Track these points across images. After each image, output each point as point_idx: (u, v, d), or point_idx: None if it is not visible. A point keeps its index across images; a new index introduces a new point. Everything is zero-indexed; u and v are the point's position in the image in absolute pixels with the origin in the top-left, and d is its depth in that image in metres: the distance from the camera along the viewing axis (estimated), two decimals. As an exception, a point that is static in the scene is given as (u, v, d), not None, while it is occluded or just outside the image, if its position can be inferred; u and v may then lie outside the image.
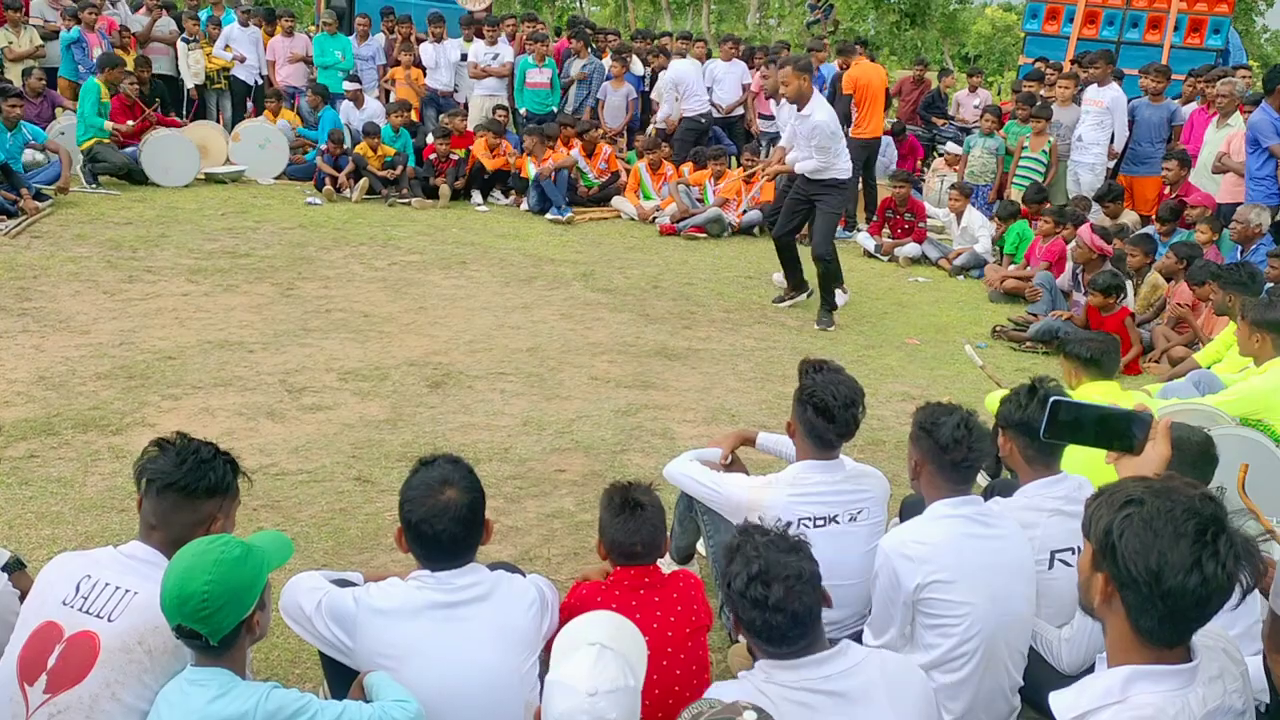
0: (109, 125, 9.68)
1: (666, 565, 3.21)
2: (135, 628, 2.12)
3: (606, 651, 2.02)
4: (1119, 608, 1.67)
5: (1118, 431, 1.98)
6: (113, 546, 2.31)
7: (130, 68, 10.52)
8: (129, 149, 9.83)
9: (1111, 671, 1.70)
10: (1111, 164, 9.83)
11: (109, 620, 2.13)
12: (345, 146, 10.43)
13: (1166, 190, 8.90)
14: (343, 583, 2.52)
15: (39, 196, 8.57)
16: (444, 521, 2.32)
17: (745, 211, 10.33)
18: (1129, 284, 7.25)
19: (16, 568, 2.73)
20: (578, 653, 2.02)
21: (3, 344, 5.51)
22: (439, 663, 2.29)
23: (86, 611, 2.15)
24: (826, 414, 2.92)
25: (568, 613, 2.58)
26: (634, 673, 2.03)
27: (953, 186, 10.03)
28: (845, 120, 10.41)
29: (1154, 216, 8.37)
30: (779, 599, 2.04)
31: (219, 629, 2.01)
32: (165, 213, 8.89)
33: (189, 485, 2.27)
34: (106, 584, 2.19)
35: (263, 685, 2.05)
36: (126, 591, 2.17)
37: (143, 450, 2.36)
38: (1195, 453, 2.97)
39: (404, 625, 2.31)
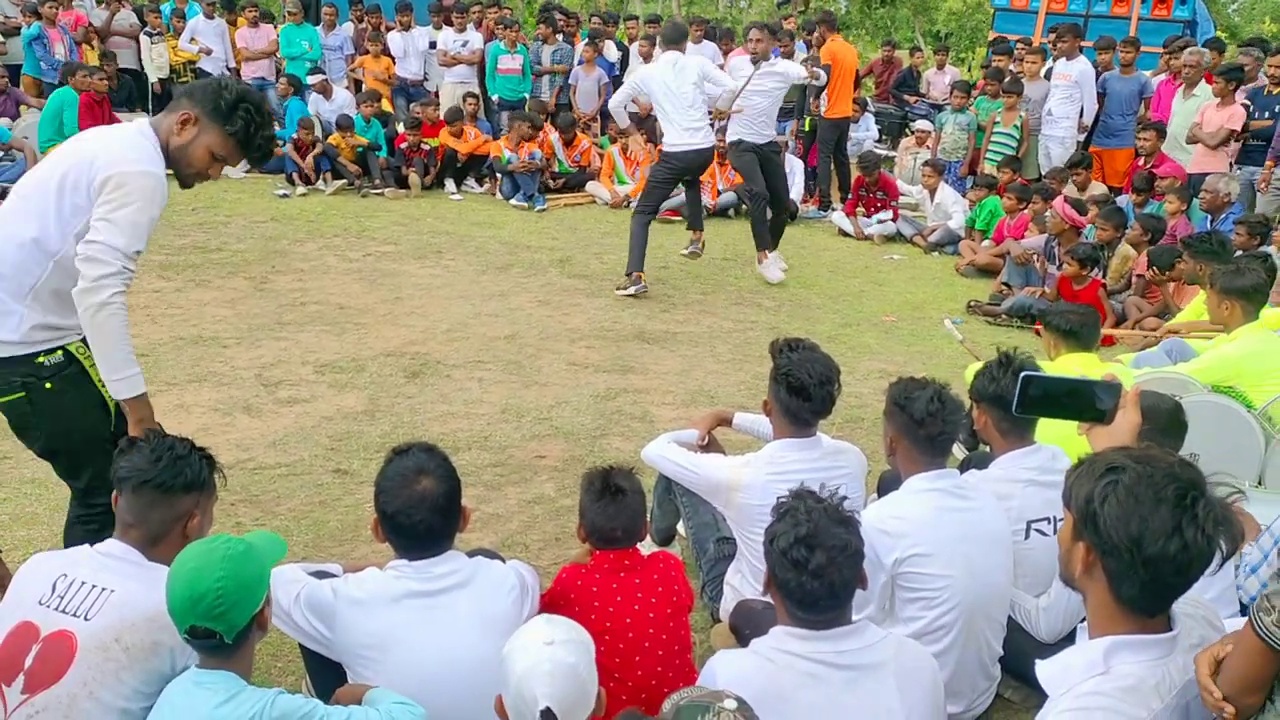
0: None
1: (646, 547, 3.22)
2: (112, 626, 2.11)
3: (555, 617, 2.07)
4: (1100, 577, 1.68)
5: (1088, 402, 2.00)
6: (89, 545, 2.30)
7: (95, 63, 10.37)
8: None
9: (1093, 643, 1.71)
10: (1081, 137, 9.88)
11: (86, 619, 2.12)
12: (315, 136, 10.33)
13: (1140, 161, 8.96)
14: (321, 574, 2.51)
15: (4, 196, 8.42)
16: (421, 511, 2.31)
17: (721, 193, 10.32)
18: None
19: None
20: (528, 627, 2.04)
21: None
22: (420, 651, 2.29)
23: (63, 611, 2.14)
24: (802, 392, 2.93)
25: (550, 598, 2.59)
26: (584, 632, 2.04)
27: (926, 163, 10.05)
28: (820, 93, 10.36)
29: (1130, 186, 8.42)
30: (820, 565, 2.04)
31: (234, 625, 2.00)
32: (134, 209, 8.77)
33: (165, 482, 2.26)
34: (83, 583, 2.17)
35: (269, 691, 2.04)
36: (103, 590, 2.16)
37: (116, 448, 2.34)
38: (1165, 420, 3.00)
39: (383, 615, 2.31)
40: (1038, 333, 5.43)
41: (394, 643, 2.29)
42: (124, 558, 2.23)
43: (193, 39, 11.64)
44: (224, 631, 1.99)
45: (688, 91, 6.91)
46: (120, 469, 2.28)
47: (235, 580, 1.99)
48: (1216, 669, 1.71)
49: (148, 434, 2.37)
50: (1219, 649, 1.73)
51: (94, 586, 2.16)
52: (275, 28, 12.05)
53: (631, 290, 7.14)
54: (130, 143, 2.69)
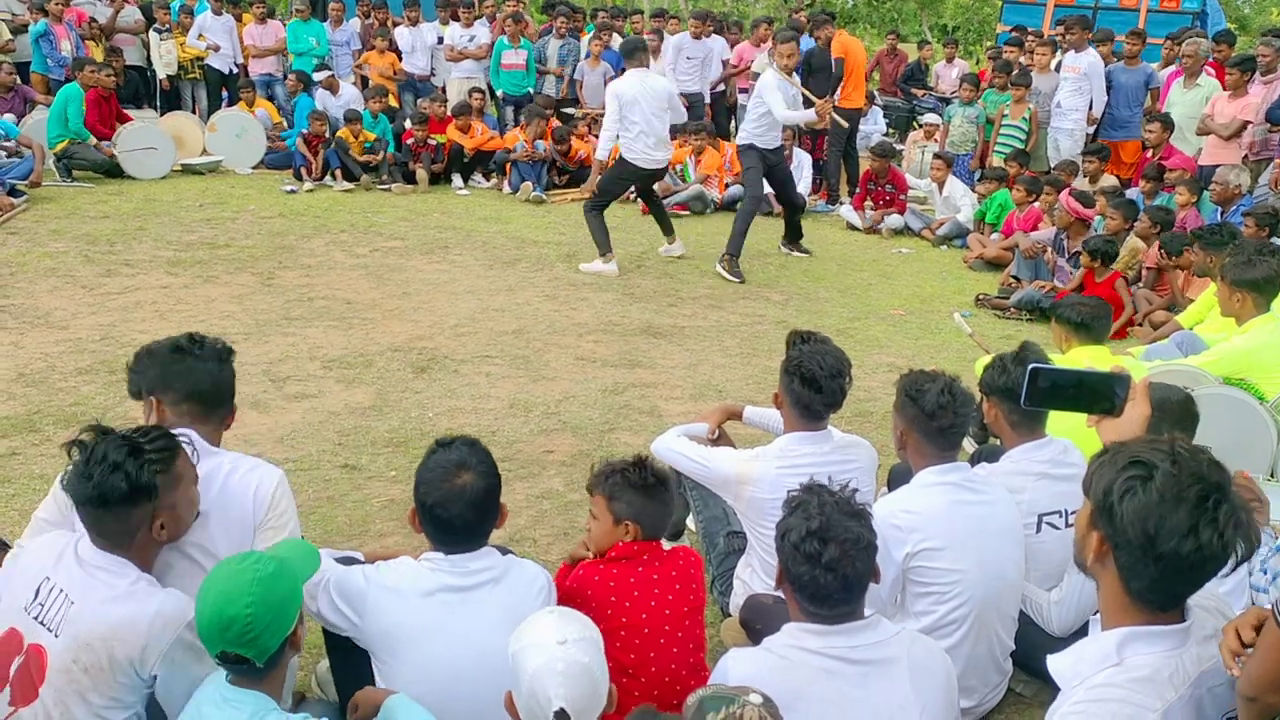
0: (93, 141, 9.53)
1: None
2: (69, 646, 2.06)
3: (566, 612, 2.04)
4: (1112, 567, 1.66)
5: (1097, 394, 1.98)
6: (76, 540, 2.19)
7: (100, 59, 10.38)
8: (104, 142, 9.71)
9: (1106, 634, 1.70)
10: (1091, 129, 9.83)
11: (55, 635, 2.08)
12: (326, 133, 10.33)
13: (1148, 153, 8.91)
14: (347, 560, 2.52)
15: (13, 193, 8.47)
16: (459, 506, 2.30)
17: (728, 187, 10.28)
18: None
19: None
20: (537, 623, 2.02)
21: (-19, 342, 5.46)
22: (450, 645, 2.28)
23: (41, 621, 2.10)
24: (813, 384, 2.91)
25: (566, 593, 2.55)
26: (594, 629, 2.03)
27: (935, 156, 10.01)
28: (837, 86, 10.30)
29: (1142, 175, 8.37)
30: (833, 559, 2.03)
31: (266, 650, 1.94)
32: (142, 205, 8.80)
33: (101, 496, 2.08)
34: (58, 589, 2.11)
35: (295, 716, 2.00)
36: (69, 602, 2.09)
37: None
38: (1177, 412, 2.99)
39: (415, 606, 2.30)
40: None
41: (423, 637, 2.28)
42: (97, 564, 2.13)
43: (200, 35, 11.66)
44: (255, 657, 1.93)
45: (662, 108, 7.36)
46: (64, 479, 2.15)
47: (265, 604, 1.92)
48: (1253, 631, 1.69)
49: (90, 430, 2.17)
50: (1256, 614, 1.71)
51: (64, 595, 2.10)
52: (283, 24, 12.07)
53: (600, 266, 7.53)
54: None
